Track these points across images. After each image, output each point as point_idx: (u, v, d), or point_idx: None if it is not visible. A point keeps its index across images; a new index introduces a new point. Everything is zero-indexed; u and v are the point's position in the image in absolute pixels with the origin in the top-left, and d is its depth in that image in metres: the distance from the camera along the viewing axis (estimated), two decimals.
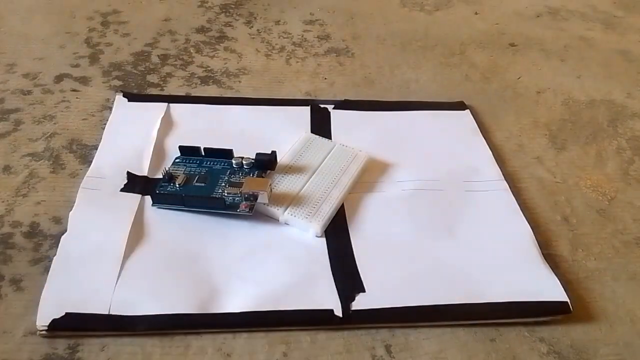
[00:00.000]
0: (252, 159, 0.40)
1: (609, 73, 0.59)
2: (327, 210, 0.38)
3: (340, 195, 0.39)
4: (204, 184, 0.39)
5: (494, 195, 0.41)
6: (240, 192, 0.37)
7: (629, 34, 0.67)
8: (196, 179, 0.39)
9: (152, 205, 0.38)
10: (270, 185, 0.38)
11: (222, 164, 0.40)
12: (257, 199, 0.37)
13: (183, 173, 0.39)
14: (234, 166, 0.40)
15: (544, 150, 0.48)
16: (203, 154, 0.41)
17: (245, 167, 0.40)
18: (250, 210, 0.37)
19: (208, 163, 0.40)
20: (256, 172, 0.40)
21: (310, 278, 0.34)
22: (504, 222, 0.39)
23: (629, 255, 0.39)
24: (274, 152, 0.40)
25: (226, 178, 0.39)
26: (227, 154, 0.40)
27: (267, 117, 0.47)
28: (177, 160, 0.41)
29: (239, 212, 0.37)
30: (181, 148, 0.41)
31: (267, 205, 0.37)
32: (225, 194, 0.38)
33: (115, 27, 0.59)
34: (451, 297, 0.33)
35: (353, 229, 0.38)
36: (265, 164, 0.40)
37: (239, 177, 0.39)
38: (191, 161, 0.41)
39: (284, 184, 0.39)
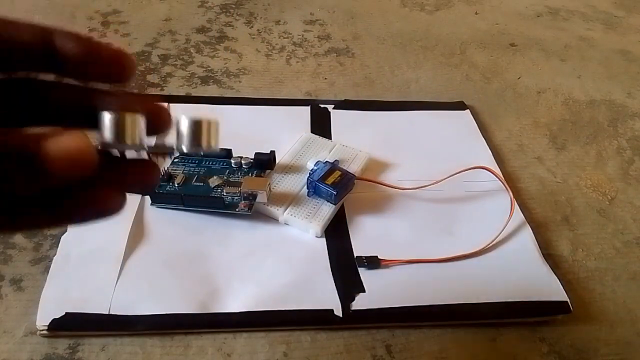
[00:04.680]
0: (251, 159, 0.40)
1: (609, 73, 0.59)
2: (327, 211, 0.38)
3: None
4: (203, 184, 0.39)
5: (494, 195, 0.41)
6: (239, 192, 0.37)
7: (629, 34, 0.67)
8: (195, 178, 0.39)
9: (150, 204, 0.38)
10: (269, 184, 0.38)
11: (221, 163, 0.40)
12: (256, 198, 0.37)
13: (182, 172, 0.39)
14: (233, 166, 0.40)
15: (544, 150, 0.48)
16: (202, 153, 0.41)
17: (244, 166, 0.40)
18: (249, 209, 0.37)
19: (207, 163, 0.40)
20: (255, 172, 0.40)
21: (310, 278, 0.34)
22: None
23: (629, 255, 0.39)
24: (272, 152, 0.40)
25: (225, 177, 0.39)
26: (226, 153, 0.40)
27: (267, 117, 0.47)
28: (175, 160, 0.41)
29: (238, 211, 0.37)
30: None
31: (267, 205, 0.37)
32: (224, 194, 0.38)
33: (116, 27, 0.59)
34: (451, 297, 0.33)
35: (353, 229, 0.38)
36: (264, 163, 0.40)
37: (238, 177, 0.39)
38: (190, 161, 0.41)
39: (284, 184, 0.39)
